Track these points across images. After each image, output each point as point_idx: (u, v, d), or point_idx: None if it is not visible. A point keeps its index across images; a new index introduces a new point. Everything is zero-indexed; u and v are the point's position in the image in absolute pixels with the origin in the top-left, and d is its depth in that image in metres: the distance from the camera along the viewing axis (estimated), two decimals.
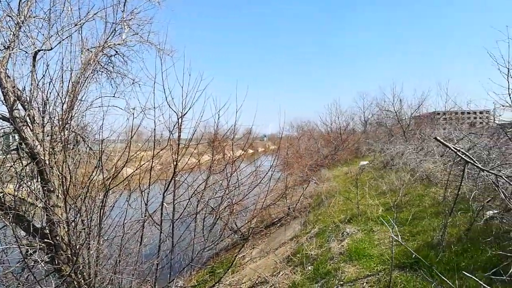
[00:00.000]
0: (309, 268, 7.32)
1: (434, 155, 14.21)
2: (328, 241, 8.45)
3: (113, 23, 8.67)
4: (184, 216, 6.96)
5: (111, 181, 5.78)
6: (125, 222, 5.92)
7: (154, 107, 6.77)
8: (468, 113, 32.38)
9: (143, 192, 6.15)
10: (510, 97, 7.14)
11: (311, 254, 7.85)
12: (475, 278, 3.72)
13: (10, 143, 8.77)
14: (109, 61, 9.45)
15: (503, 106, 7.67)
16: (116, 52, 9.31)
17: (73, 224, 5.42)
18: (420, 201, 10.28)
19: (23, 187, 6.16)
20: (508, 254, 4.66)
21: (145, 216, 6.16)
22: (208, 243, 7.33)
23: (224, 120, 8.31)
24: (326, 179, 17.57)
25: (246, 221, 10.27)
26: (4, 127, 8.35)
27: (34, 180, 6.85)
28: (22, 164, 7.68)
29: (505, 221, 6.51)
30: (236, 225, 10.79)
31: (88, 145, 8.12)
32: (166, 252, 6.39)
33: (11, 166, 7.71)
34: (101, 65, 9.27)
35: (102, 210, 5.55)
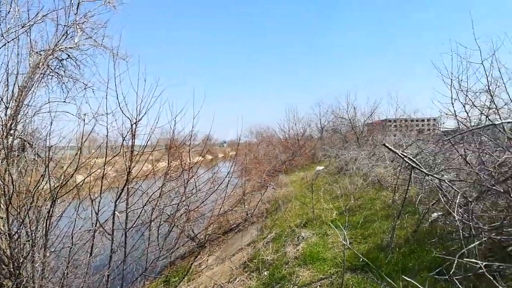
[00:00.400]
0: (265, 273, 7.40)
1: (385, 161, 14.88)
2: (284, 246, 8.58)
3: (64, 25, 8.39)
4: (137, 225, 6.82)
5: (59, 189, 5.55)
6: (73, 232, 5.69)
7: (107, 113, 6.61)
8: (417, 120, 34.27)
9: (93, 201, 5.95)
10: (453, 106, 7.62)
11: (267, 259, 7.94)
12: (414, 282, 3.94)
13: None
14: (60, 65, 9.13)
15: (446, 114, 8.17)
16: (68, 55, 9.02)
17: (16, 236, 5.14)
18: (372, 205, 10.70)
19: None
20: (450, 257, 4.98)
21: (95, 225, 5.97)
22: (163, 251, 7.21)
23: (181, 126, 8.28)
24: (283, 184, 17.85)
25: (203, 228, 10.21)
26: None
27: None
28: None
29: (448, 222, 6.89)
30: (193, 232, 10.68)
31: (36, 152, 7.76)
32: (117, 262, 6.22)
33: None
34: (51, 69, 8.92)
35: (48, 221, 5.32)
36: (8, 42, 7.13)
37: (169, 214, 8.22)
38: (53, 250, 5.61)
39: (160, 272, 9.90)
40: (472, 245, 4.99)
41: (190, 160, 9.35)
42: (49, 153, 5.66)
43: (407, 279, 4.13)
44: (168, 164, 8.36)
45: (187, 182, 8.37)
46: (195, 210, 8.82)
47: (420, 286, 3.77)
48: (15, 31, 7.44)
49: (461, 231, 5.37)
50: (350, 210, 9.62)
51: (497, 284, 3.91)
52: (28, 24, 7.76)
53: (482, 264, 3.83)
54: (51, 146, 6.06)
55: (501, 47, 6.94)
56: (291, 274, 6.82)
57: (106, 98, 6.50)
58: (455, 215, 5.50)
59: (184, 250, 10.52)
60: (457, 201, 5.65)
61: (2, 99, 6.65)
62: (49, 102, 7.95)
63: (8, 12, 7.41)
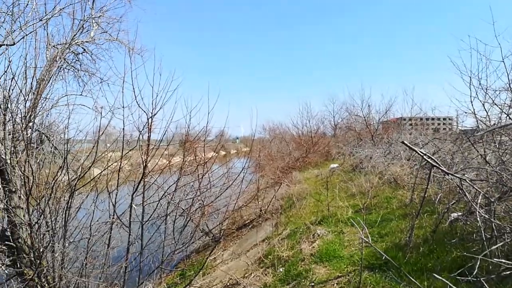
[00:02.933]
0: (281, 269, 7.34)
1: (401, 159, 14.66)
2: (299, 243, 8.51)
3: (80, 20, 8.44)
4: (154, 218, 6.82)
5: (77, 181, 5.57)
6: (92, 224, 5.71)
7: (123, 107, 6.62)
8: (433, 119, 33.74)
9: (111, 194, 5.96)
10: (472, 105, 7.44)
11: (283, 256, 7.88)
12: (443, 279, 3.83)
13: None
14: (76, 59, 9.20)
15: (465, 112, 7.98)
16: (84, 50, 9.08)
17: (36, 226, 5.18)
18: (388, 203, 10.55)
19: None
20: (473, 256, 4.84)
21: (113, 218, 5.98)
22: (179, 245, 7.21)
23: (196, 121, 8.24)
24: (297, 181, 17.73)
25: (218, 223, 10.19)
26: None
27: None
28: None
29: (468, 223, 6.74)
30: (208, 227, 10.68)
31: (53, 145, 7.83)
32: (135, 254, 6.22)
33: None
34: (68, 63, 9.00)
35: (67, 212, 5.35)
36: (26, 35, 7.18)
37: (183, 208, 8.21)
38: (72, 240, 5.64)
39: (176, 266, 9.94)
40: (495, 247, 4.86)
41: (204, 155, 9.33)
42: (67, 146, 5.67)
43: (436, 276, 4.01)
44: (184, 158, 8.34)
45: (202, 177, 8.35)
46: (209, 205, 8.80)
47: (451, 285, 3.66)
48: (33, 24, 7.48)
49: (482, 232, 5.24)
50: (366, 208, 9.49)
51: None
52: (45, 17, 7.80)
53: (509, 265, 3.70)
54: (69, 139, 6.07)
55: None
56: (307, 271, 6.75)
57: (123, 92, 6.47)
58: (477, 216, 5.36)
59: (199, 244, 10.56)
60: (479, 201, 5.51)
61: (21, 91, 6.70)
62: (66, 95, 8.04)
63: (26, 5, 7.45)
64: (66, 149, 5.66)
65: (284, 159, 24.51)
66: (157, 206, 6.73)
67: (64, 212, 5.45)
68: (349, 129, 34.94)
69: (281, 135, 37.76)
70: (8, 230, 5.54)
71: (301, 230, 9.45)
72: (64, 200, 5.57)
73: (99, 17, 8.89)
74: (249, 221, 12.93)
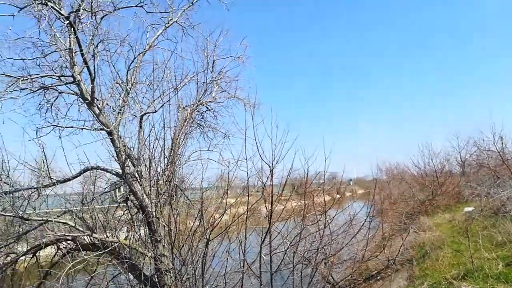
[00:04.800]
0: None
1: None
2: None
3: (203, 82, 9.47)
4: (280, 269, 6.79)
5: (211, 231, 5.92)
6: (226, 272, 5.93)
7: (246, 159, 6.99)
8: None
9: (241, 243, 6.16)
10: None
11: None
12: None
13: (119, 197, 9.71)
14: (201, 117, 10.19)
15: None
16: (207, 108, 10.02)
17: (181, 273, 5.58)
18: None
19: (134, 237, 6.61)
20: None
21: (243, 267, 6.13)
22: None
23: (313, 169, 8.22)
24: (426, 227, 15.97)
25: (344, 274, 9.64)
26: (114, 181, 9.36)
27: (141, 230, 7.37)
28: (130, 215, 8.37)
29: None
30: (333, 278, 10.16)
31: (186, 196, 8.59)
32: None
33: (120, 217, 8.46)
34: (195, 121, 10.03)
35: (204, 260, 5.66)
36: (165, 103, 8.27)
37: (307, 258, 8.02)
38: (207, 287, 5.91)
39: None
40: None
41: (325, 205, 9.09)
42: (202, 198, 6.13)
43: None
44: (304, 209, 8.25)
45: (324, 227, 8.11)
46: (333, 255, 8.42)
47: None
48: (168, 94, 8.62)
49: None
50: None
51: None
52: (179, 86, 8.96)
53: None
54: (203, 192, 6.55)
55: None
56: None
57: (245, 145, 6.85)
58: None
59: None
60: None
61: (162, 150, 7.63)
62: (196, 151, 8.92)
63: (162, 78, 8.66)
64: (201, 201, 6.09)
65: (408, 202, 22.49)
66: (284, 256, 6.69)
67: (201, 260, 5.78)
68: (481, 166, 30.73)
69: (399, 175, 35.12)
70: (155, 276, 6.09)
71: (442, 285, 8.30)
72: (199, 248, 5.94)
73: (220, 79, 9.85)
74: (376, 271, 11.93)
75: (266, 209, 6.96)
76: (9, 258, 7.27)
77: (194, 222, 6.06)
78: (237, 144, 8.66)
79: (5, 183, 6.89)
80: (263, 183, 6.93)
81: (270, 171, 6.73)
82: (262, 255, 6.23)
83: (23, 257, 7.42)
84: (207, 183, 7.22)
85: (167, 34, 8.24)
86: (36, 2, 5.85)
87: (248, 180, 6.82)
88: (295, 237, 7.21)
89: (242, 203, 7.29)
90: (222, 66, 9.76)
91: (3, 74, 6.60)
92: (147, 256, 6.29)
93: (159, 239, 6.17)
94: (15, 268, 7.45)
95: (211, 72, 9.57)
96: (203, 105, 9.79)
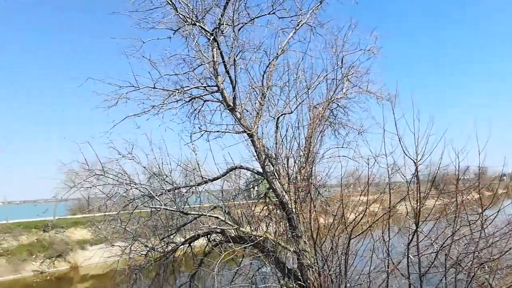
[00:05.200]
0: None
1: None
2: None
3: (333, 79, 9.41)
4: (430, 272, 6.31)
5: (352, 229, 5.88)
6: (370, 271, 5.83)
7: (386, 155, 6.69)
8: None
9: (385, 242, 5.96)
10: None
11: None
12: None
13: (255, 194, 10.42)
14: (332, 114, 10.14)
15: None
16: (338, 105, 9.93)
17: (322, 269, 5.72)
18: None
19: (276, 231, 7.02)
20: None
21: (387, 266, 5.91)
22: None
23: (464, 163, 7.36)
24: None
25: (504, 282, 8.39)
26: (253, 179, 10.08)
27: (282, 224, 7.78)
28: (269, 211, 8.90)
29: None
30: (491, 286, 8.96)
31: (320, 193, 8.70)
32: None
33: (260, 212, 9.06)
34: (325, 119, 10.04)
35: (346, 257, 5.66)
36: (300, 103, 8.51)
37: (457, 260, 7.25)
38: (352, 285, 5.89)
39: None
40: None
41: (481, 204, 8.06)
42: (341, 195, 6.13)
43: None
44: (457, 207, 7.47)
45: (482, 229, 7.21)
46: (492, 260, 7.41)
47: None
48: (301, 95, 8.84)
49: None
50: None
51: None
52: (312, 86, 9.10)
53: None
54: (344, 188, 6.54)
55: None
56: None
57: (384, 140, 6.54)
58: None
59: None
60: None
61: (298, 148, 7.90)
62: (329, 149, 8.95)
63: (295, 79, 8.92)
64: (341, 199, 6.10)
65: None
66: (435, 258, 6.20)
67: (342, 257, 5.80)
68: None
69: None
70: (297, 270, 6.35)
71: None
72: (340, 245, 5.96)
73: (351, 74, 9.66)
74: None
75: (407, 208, 6.58)
76: (169, 247, 8.47)
77: (334, 219, 6.10)
78: (371, 140, 8.41)
79: (167, 182, 8.07)
80: (406, 180, 6.57)
81: (415, 167, 6.32)
82: (411, 256, 5.90)
83: (181, 246, 8.58)
84: (340, 180, 7.15)
85: (297, 36, 8.48)
86: (187, 23, 6.68)
87: (389, 176, 6.57)
88: (446, 239, 6.61)
89: (381, 201, 7.03)
90: (352, 61, 9.57)
91: (162, 89, 7.78)
92: (290, 250, 6.59)
93: (300, 235, 6.42)
94: (175, 256, 8.62)
95: (341, 68, 9.47)
96: (334, 102, 9.75)
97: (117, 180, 7.74)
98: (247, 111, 8.47)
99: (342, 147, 9.12)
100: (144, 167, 7.92)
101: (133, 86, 7.28)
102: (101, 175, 7.68)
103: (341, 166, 6.91)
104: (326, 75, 9.39)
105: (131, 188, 7.75)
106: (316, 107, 9.41)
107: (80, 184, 7.72)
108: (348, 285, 5.99)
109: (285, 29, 8.28)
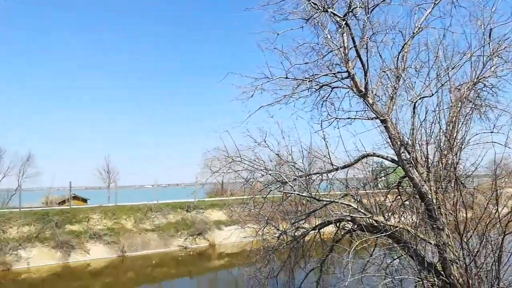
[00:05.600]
0: None
1: None
2: None
3: (478, 56, 8.23)
4: None
5: (507, 224, 5.20)
6: None
7: None
8: None
9: None
10: None
11: None
12: None
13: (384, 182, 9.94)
14: (477, 95, 8.94)
15: None
16: (484, 85, 8.72)
17: (470, 265, 5.22)
18: None
19: (415, 222, 6.63)
20: None
21: None
22: None
23: None
24: None
25: None
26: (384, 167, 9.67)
27: (419, 215, 7.29)
28: (401, 200, 8.44)
29: None
30: None
31: (463, 184, 7.81)
32: None
33: (392, 202, 8.67)
34: (470, 101, 8.90)
35: (500, 254, 5.05)
36: (442, 85, 7.72)
37: None
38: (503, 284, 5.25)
39: None
40: None
41: None
42: (495, 185, 5.44)
43: None
44: None
45: None
46: None
47: None
48: (442, 75, 7.98)
49: None
50: None
51: None
52: (455, 65, 8.14)
53: None
54: (498, 178, 5.78)
55: None
56: None
57: None
58: None
59: None
60: None
61: (441, 133, 7.23)
62: (476, 134, 7.92)
63: (436, 59, 8.08)
64: (495, 190, 5.43)
65: None
66: None
67: (494, 254, 5.20)
68: None
69: None
70: (438, 264, 5.92)
71: None
72: (493, 241, 5.34)
73: (502, 49, 8.34)
74: None
75: None
76: (298, 232, 8.76)
77: (484, 213, 5.46)
78: None
79: (297, 169, 8.34)
80: None
81: None
82: None
83: (312, 232, 8.80)
84: (494, 168, 6.31)
85: (437, 12, 7.71)
86: (319, 11, 6.72)
87: None
88: None
89: None
90: (503, 34, 8.23)
91: (293, 78, 8.04)
92: (430, 243, 6.15)
93: (441, 228, 5.93)
94: (304, 240, 8.89)
95: (489, 43, 8.24)
96: (480, 81, 8.60)
97: (252, 166, 8.34)
98: (378, 96, 8.13)
99: (492, 132, 8.00)
100: (277, 154, 8.33)
101: (267, 78, 7.70)
102: (239, 161, 8.38)
103: (494, 152, 6.01)
104: (472, 52, 8.29)
105: (266, 174, 8.25)
106: (458, 89, 8.47)
107: (221, 170, 8.60)
108: (501, 284, 5.34)
109: (422, 5, 7.62)
